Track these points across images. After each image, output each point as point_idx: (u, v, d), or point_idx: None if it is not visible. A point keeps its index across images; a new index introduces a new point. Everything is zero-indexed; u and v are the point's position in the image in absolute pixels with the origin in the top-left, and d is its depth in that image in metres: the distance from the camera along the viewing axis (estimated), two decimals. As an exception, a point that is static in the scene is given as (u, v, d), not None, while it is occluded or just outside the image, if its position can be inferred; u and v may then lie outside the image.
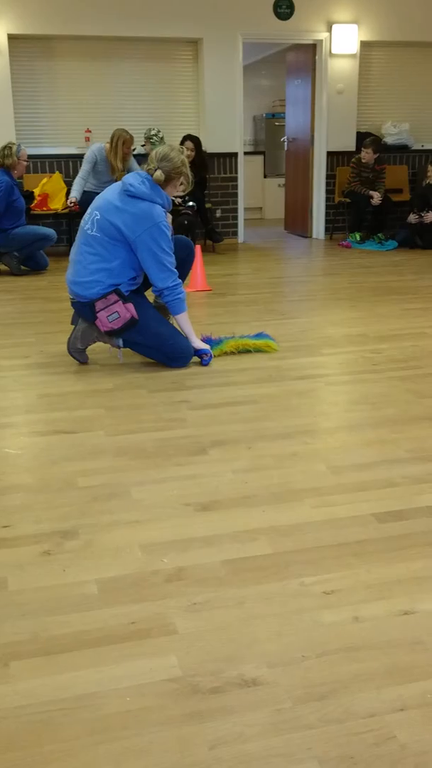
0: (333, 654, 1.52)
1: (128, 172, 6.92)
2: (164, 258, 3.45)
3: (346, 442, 2.63)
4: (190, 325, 3.62)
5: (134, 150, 7.02)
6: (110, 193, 3.55)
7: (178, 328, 3.62)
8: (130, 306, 3.45)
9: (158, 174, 3.47)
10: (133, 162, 6.91)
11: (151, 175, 3.48)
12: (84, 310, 3.54)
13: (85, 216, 3.58)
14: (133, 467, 2.44)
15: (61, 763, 1.26)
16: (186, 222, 6.75)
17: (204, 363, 3.59)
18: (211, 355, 3.63)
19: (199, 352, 3.62)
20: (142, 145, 7.29)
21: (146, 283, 3.66)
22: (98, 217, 3.48)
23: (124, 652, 1.53)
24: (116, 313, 3.43)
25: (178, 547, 1.94)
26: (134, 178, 3.47)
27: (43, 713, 1.37)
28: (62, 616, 1.66)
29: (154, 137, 7.15)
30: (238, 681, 1.44)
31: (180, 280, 3.56)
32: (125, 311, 3.43)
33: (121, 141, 6.71)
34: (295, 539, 1.97)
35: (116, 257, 3.47)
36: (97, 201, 3.59)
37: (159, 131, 7.26)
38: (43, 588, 1.77)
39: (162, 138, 7.16)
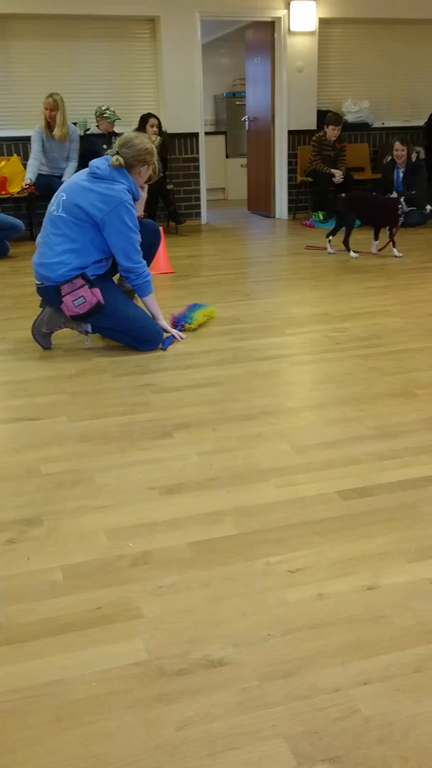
0: (298, 631, 1.53)
1: (69, 139, 6.91)
2: (131, 236, 3.43)
3: (310, 422, 2.65)
4: (157, 306, 3.64)
5: (78, 123, 7.23)
6: (78, 176, 3.56)
7: (146, 310, 3.61)
8: (97, 291, 3.42)
9: (114, 159, 3.43)
10: (70, 126, 6.98)
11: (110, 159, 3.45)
12: (49, 294, 3.50)
13: (53, 198, 3.55)
14: (97, 452, 2.43)
15: (27, 751, 1.26)
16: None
17: (163, 346, 3.57)
18: (172, 339, 3.64)
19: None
20: (97, 125, 7.18)
21: (113, 269, 3.65)
22: (64, 198, 3.46)
23: (89, 637, 1.53)
24: (82, 298, 3.40)
25: (143, 531, 1.94)
26: (100, 162, 3.47)
27: (8, 702, 1.36)
28: (27, 603, 1.65)
29: (107, 111, 7.05)
30: (203, 662, 1.45)
31: (145, 261, 3.54)
32: (91, 296, 3.40)
33: (44, 106, 6.81)
34: (260, 519, 1.98)
35: (82, 237, 3.44)
36: (66, 183, 3.59)
37: (110, 107, 7.15)
38: (7, 576, 1.76)
39: (114, 112, 7.07)
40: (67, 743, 1.27)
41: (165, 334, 3.64)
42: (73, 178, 3.56)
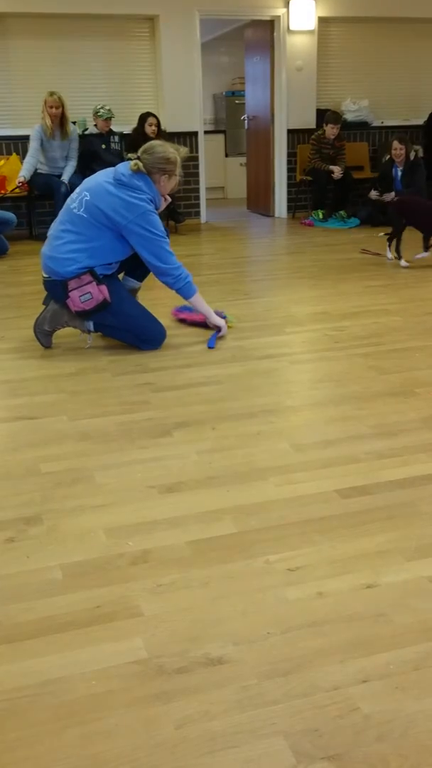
0: (297, 630, 1.53)
1: (69, 138, 6.90)
2: (159, 239, 3.42)
3: (309, 420, 2.65)
4: (205, 303, 3.65)
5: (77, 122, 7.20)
6: (102, 177, 3.49)
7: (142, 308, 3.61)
8: (104, 288, 3.42)
9: (133, 164, 3.40)
10: (71, 126, 6.94)
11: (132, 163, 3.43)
12: (56, 289, 3.48)
13: (74, 194, 3.51)
14: (97, 451, 2.43)
15: (26, 750, 1.26)
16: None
17: (210, 344, 3.56)
18: (222, 332, 3.68)
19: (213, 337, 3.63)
20: (94, 124, 7.18)
21: (118, 269, 3.65)
22: (87, 199, 3.42)
23: (89, 636, 1.53)
24: (89, 294, 3.40)
25: (142, 529, 1.94)
26: (125, 168, 3.43)
27: (7, 701, 1.36)
28: (26, 602, 1.65)
29: (101, 110, 7.05)
30: (203, 660, 1.45)
31: (180, 263, 3.52)
32: (98, 293, 3.40)
33: (48, 104, 6.75)
34: (260, 518, 1.98)
35: (98, 239, 3.42)
36: (89, 182, 3.53)
37: (105, 105, 7.14)
38: (6, 575, 1.76)
39: (109, 110, 7.07)
40: (66, 741, 1.27)
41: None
42: (98, 179, 3.50)
